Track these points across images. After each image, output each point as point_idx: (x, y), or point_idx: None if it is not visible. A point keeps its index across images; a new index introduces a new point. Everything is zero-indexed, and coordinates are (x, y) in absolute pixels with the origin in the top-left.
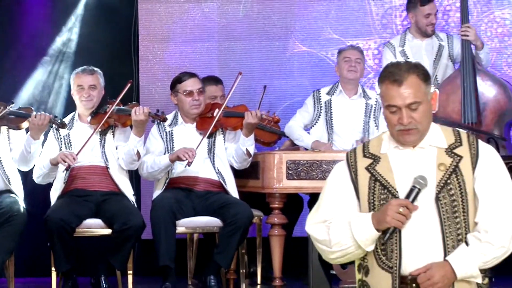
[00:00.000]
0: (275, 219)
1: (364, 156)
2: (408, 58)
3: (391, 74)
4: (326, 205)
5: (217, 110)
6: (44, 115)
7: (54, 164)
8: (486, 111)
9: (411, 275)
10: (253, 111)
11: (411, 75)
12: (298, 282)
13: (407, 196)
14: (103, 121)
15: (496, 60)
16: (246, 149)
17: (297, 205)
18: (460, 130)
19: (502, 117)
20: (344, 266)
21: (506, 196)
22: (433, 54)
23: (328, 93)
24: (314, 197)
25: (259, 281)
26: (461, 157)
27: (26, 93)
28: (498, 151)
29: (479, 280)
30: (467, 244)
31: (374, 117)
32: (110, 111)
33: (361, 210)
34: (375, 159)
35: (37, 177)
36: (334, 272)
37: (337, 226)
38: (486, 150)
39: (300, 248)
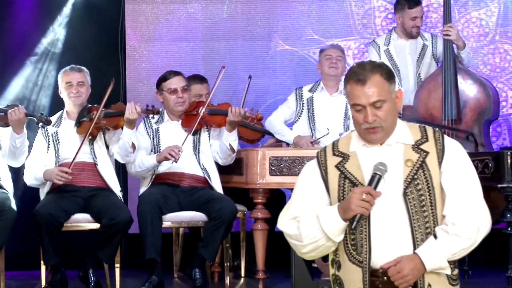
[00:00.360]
0: (258, 213)
1: (334, 154)
2: (392, 57)
3: (355, 74)
4: (297, 202)
5: (201, 107)
6: (19, 109)
7: (47, 180)
8: (466, 109)
9: (382, 269)
10: (236, 108)
11: (375, 74)
12: (281, 275)
13: (369, 183)
14: (90, 130)
15: (472, 59)
16: (230, 144)
17: (279, 200)
18: (427, 126)
19: (482, 115)
20: (325, 259)
21: (472, 189)
22: (417, 54)
23: (310, 90)
24: None
25: (243, 274)
26: (427, 152)
27: (14, 91)
28: (477, 149)
29: (448, 272)
30: (435, 237)
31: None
32: (96, 117)
33: (331, 206)
34: (344, 157)
35: (29, 184)
36: (316, 265)
37: (307, 220)
38: (452, 145)
39: (282, 242)
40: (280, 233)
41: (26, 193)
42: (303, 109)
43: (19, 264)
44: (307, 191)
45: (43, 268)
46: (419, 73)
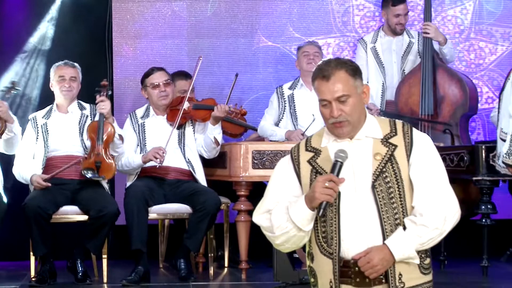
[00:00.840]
0: (241, 205)
1: (306, 150)
2: (378, 55)
3: (321, 71)
4: (271, 196)
5: (184, 101)
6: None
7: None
8: (443, 104)
9: (353, 259)
10: (222, 105)
11: (339, 70)
12: (263, 264)
13: (332, 171)
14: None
15: None
16: (214, 137)
17: (262, 193)
18: (396, 120)
19: (458, 110)
20: (306, 250)
21: (439, 181)
22: (402, 51)
23: (290, 88)
24: None
25: (226, 264)
26: (396, 146)
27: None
28: (453, 142)
29: (417, 261)
30: (404, 227)
31: None
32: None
33: None
34: (316, 152)
35: (17, 178)
36: (297, 256)
37: (277, 212)
38: (420, 138)
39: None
40: None
41: (16, 186)
42: (285, 106)
43: (9, 255)
44: (281, 185)
45: (32, 258)
46: (404, 70)
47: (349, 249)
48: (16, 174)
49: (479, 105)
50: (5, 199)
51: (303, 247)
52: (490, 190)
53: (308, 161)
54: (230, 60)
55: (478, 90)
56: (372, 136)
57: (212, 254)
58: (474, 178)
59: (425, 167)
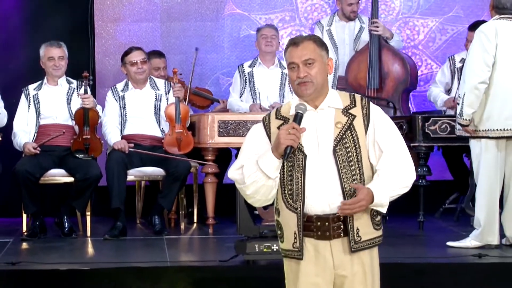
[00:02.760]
0: (209, 169)
1: (277, 118)
2: (333, 37)
3: (293, 40)
4: (244, 155)
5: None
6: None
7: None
8: (388, 80)
9: (316, 215)
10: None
11: (308, 40)
12: (228, 220)
13: (294, 120)
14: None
15: None
16: None
17: (226, 157)
18: (356, 94)
19: (400, 85)
20: (265, 207)
21: (401, 146)
22: (354, 35)
23: (249, 66)
24: None
25: (195, 220)
26: (354, 116)
27: None
28: (395, 114)
29: (384, 210)
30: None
31: (289, 83)
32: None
33: None
34: (285, 120)
35: (13, 143)
36: (257, 213)
37: (248, 165)
38: (376, 110)
39: (229, 193)
40: (227, 185)
41: (11, 151)
42: (246, 82)
43: (3, 212)
44: (253, 147)
45: (24, 216)
46: (356, 50)
47: (312, 205)
48: (13, 140)
49: None
50: None
51: (265, 207)
52: (426, 155)
53: (278, 127)
54: (198, 41)
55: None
56: (334, 107)
57: (183, 212)
58: (412, 144)
59: (387, 133)
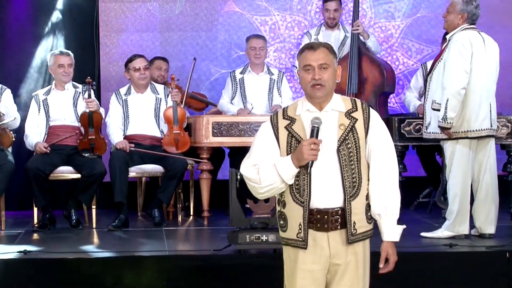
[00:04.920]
0: (204, 166)
1: (284, 118)
2: None
3: (309, 44)
4: (256, 153)
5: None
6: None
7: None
8: (366, 84)
9: (317, 209)
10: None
11: (323, 46)
12: (221, 213)
13: (311, 135)
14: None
15: None
16: None
17: (220, 156)
18: (356, 99)
19: (377, 89)
20: (256, 201)
21: (389, 149)
22: (338, 43)
23: (240, 73)
24: (233, 150)
25: (192, 213)
26: (356, 119)
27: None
28: None
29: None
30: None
31: (277, 88)
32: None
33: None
34: (292, 120)
35: (25, 144)
36: (248, 206)
37: (265, 168)
38: (374, 115)
39: (222, 188)
40: (221, 181)
41: (24, 149)
42: (237, 88)
43: (16, 205)
44: (263, 145)
45: (35, 209)
46: (340, 58)
47: (315, 200)
48: (25, 141)
49: None
50: (12, 160)
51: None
52: (402, 153)
53: (285, 127)
54: (194, 50)
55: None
56: (338, 110)
57: (180, 205)
58: None
59: (381, 140)
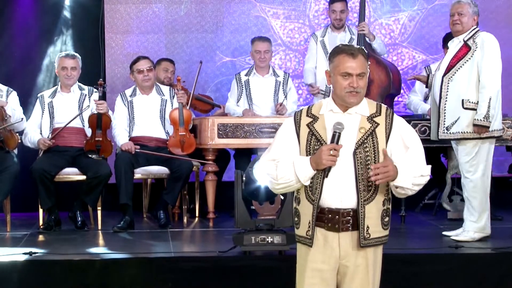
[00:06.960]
0: (209, 168)
1: (307, 115)
2: (325, 47)
3: (347, 49)
4: (276, 148)
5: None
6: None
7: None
8: (372, 86)
9: (328, 208)
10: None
11: (361, 53)
12: (227, 215)
13: (332, 141)
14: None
15: None
16: None
17: (225, 157)
18: (382, 104)
19: (383, 91)
20: (260, 203)
21: (420, 149)
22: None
23: (246, 75)
24: (238, 151)
25: (197, 214)
26: (378, 124)
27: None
28: None
29: (409, 192)
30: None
31: (283, 90)
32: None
33: (300, 154)
34: (314, 118)
35: (26, 144)
36: (254, 207)
37: (283, 165)
38: (399, 120)
39: (228, 190)
40: (226, 183)
41: (29, 151)
42: (242, 90)
43: (22, 207)
44: (284, 141)
45: (40, 210)
46: None
47: (326, 199)
48: (25, 140)
49: None
50: (17, 162)
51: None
52: None
53: (307, 125)
54: (199, 51)
55: None
56: (361, 113)
57: (186, 207)
58: None
59: (406, 141)
